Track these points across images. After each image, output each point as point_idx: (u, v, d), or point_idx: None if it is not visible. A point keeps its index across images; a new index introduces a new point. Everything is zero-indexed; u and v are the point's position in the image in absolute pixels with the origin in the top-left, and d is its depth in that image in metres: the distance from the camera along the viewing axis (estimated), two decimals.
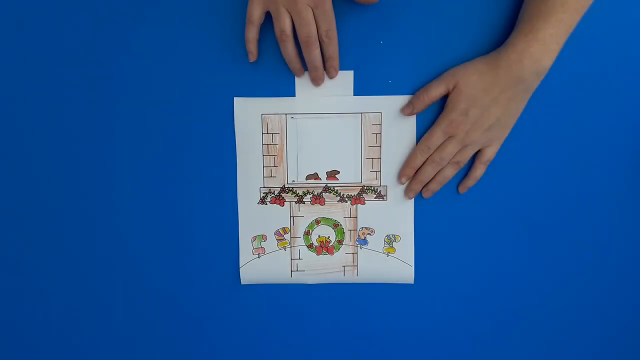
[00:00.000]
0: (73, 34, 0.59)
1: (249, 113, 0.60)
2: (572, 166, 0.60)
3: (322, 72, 0.57)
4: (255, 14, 0.54)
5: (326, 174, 0.61)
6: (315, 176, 0.61)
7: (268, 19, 0.55)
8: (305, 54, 0.55)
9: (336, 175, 0.61)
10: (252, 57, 0.57)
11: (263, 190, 0.62)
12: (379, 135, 0.60)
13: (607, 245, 0.62)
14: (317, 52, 0.55)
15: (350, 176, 0.61)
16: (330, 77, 0.58)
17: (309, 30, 0.53)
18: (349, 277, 0.63)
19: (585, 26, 0.55)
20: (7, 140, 0.61)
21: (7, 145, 0.61)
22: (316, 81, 0.58)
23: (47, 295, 0.64)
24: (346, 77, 0.59)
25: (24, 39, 0.59)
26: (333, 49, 0.56)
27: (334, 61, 0.57)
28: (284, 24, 0.53)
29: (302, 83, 0.59)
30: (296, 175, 0.61)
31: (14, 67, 0.60)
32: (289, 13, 0.53)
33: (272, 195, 0.62)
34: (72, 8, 0.58)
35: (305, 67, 0.58)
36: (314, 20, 0.53)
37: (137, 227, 0.62)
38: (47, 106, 0.60)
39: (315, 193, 0.62)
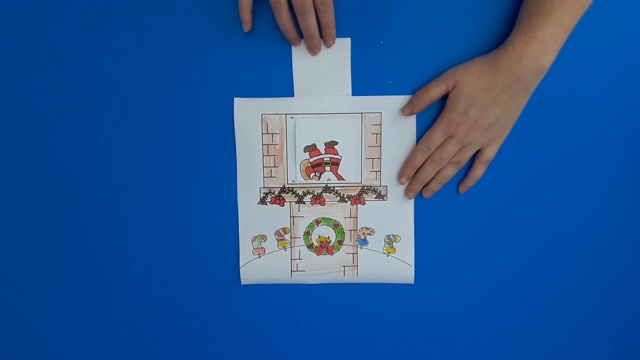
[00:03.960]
0: (72, 34, 0.59)
1: (249, 113, 0.60)
2: (572, 166, 0.60)
3: (318, 40, 0.56)
4: None
5: (324, 144, 0.60)
6: (313, 147, 0.60)
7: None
8: (300, 23, 0.54)
9: (335, 147, 0.60)
10: (247, 26, 0.56)
11: (263, 190, 0.62)
12: (379, 135, 0.60)
13: (607, 244, 0.62)
14: (313, 19, 0.54)
15: (350, 176, 0.61)
16: (328, 46, 0.57)
17: None
18: (349, 277, 0.63)
19: (585, 26, 0.55)
20: (7, 141, 0.62)
21: (7, 146, 0.62)
22: (312, 49, 0.57)
23: (47, 295, 0.64)
24: (343, 46, 0.58)
25: (26, 41, 0.59)
26: (329, 17, 0.54)
27: (331, 29, 0.56)
28: None
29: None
30: (295, 176, 0.61)
31: (13, 67, 0.60)
32: None
33: (272, 195, 0.62)
34: (72, 8, 0.58)
35: (301, 35, 0.57)
36: None
37: (137, 227, 0.62)
38: (47, 107, 0.60)
39: (315, 193, 0.62)
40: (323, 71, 0.59)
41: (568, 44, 0.52)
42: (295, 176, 0.61)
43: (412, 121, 0.59)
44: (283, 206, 0.62)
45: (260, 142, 0.60)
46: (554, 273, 0.62)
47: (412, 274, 0.62)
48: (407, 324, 0.64)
